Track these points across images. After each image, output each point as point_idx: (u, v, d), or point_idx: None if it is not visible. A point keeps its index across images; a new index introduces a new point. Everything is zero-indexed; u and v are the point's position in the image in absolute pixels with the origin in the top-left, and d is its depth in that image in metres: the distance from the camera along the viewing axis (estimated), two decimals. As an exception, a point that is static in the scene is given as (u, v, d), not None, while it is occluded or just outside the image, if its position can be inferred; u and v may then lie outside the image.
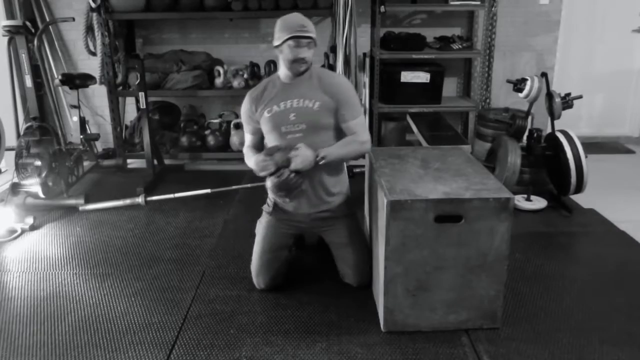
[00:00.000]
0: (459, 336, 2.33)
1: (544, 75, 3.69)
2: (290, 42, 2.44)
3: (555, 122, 3.72)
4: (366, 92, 4.73)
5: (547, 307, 2.54)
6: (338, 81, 2.64)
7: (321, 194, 2.60)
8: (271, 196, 2.65)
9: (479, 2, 4.56)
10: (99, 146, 4.91)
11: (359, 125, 2.57)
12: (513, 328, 2.38)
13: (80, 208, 3.71)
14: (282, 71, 2.57)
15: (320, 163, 2.44)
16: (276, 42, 2.51)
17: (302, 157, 2.41)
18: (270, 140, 2.61)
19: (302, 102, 2.52)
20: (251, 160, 2.56)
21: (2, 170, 4.47)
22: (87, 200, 3.75)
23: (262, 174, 2.47)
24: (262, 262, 2.64)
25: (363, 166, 3.00)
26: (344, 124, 2.54)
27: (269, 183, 2.47)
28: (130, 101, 5.00)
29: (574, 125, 4.65)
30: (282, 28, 2.49)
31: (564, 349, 2.25)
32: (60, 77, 3.97)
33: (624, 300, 2.59)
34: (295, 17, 2.53)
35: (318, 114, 2.52)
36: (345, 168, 2.75)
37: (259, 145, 2.70)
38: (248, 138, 2.71)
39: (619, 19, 5.03)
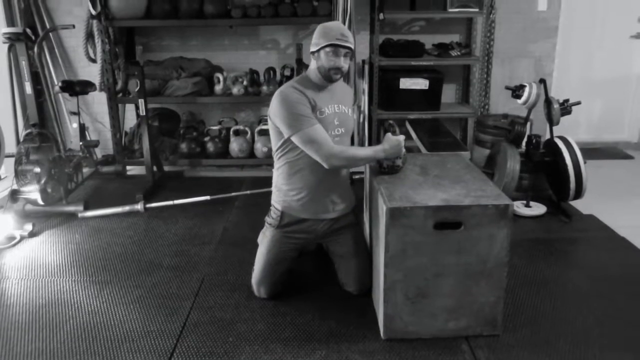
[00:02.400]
0: (459, 343, 2.32)
1: (542, 81, 3.70)
2: (328, 50, 2.43)
3: (554, 128, 3.72)
4: (365, 98, 4.73)
5: (548, 314, 2.54)
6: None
7: (341, 194, 2.66)
8: (281, 207, 2.61)
9: (477, 9, 4.58)
10: (99, 153, 4.92)
11: None
12: (513, 335, 2.37)
13: (80, 215, 3.70)
14: (315, 76, 2.53)
15: None
16: (313, 48, 2.48)
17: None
18: None
19: (341, 107, 2.58)
20: (362, 151, 2.55)
21: (2, 176, 4.47)
22: (87, 207, 3.75)
23: (396, 155, 2.52)
24: (265, 273, 2.63)
25: (362, 173, 3.00)
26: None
27: (386, 164, 2.55)
28: (129, 108, 5.01)
29: (573, 131, 4.67)
30: (321, 35, 2.45)
31: (564, 355, 2.24)
32: (60, 83, 3.97)
33: (625, 306, 2.59)
34: (337, 25, 2.51)
35: (352, 119, 2.65)
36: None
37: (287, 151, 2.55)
38: (321, 130, 2.42)
39: (617, 25, 5.05)
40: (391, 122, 2.60)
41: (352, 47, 2.48)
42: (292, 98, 2.42)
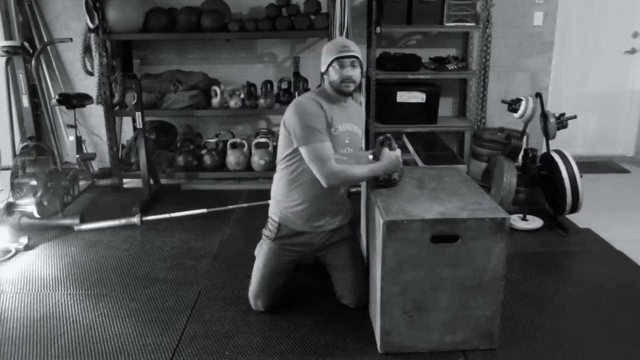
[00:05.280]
0: (456, 357, 2.31)
1: (538, 95, 3.72)
2: (335, 64, 2.46)
3: (550, 142, 3.74)
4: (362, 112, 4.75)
5: (545, 328, 2.53)
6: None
7: (338, 208, 2.66)
8: (279, 219, 2.61)
9: (473, 24, 4.61)
10: (95, 166, 4.91)
11: None
12: (510, 349, 2.36)
13: (76, 228, 3.69)
14: (331, 91, 2.54)
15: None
16: (322, 68, 2.52)
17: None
18: None
19: (353, 127, 2.59)
20: (360, 169, 2.48)
21: (-2, 189, 4.46)
22: (83, 220, 3.73)
23: (395, 169, 2.51)
24: (261, 286, 2.62)
25: (359, 186, 3.00)
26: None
27: (382, 177, 2.53)
28: (127, 121, 5.02)
29: (569, 145, 4.69)
30: (325, 53, 2.52)
31: (561, 370, 2.24)
32: (57, 96, 3.98)
33: (621, 320, 2.58)
34: (337, 40, 2.58)
35: (360, 140, 2.66)
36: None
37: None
38: (329, 148, 2.42)
39: (612, 40, 5.10)
40: (388, 135, 2.59)
41: (357, 55, 2.50)
42: (310, 110, 2.43)
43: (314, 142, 2.39)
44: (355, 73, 2.50)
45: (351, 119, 2.60)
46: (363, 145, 2.82)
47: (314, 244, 2.63)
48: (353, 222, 2.78)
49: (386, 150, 2.52)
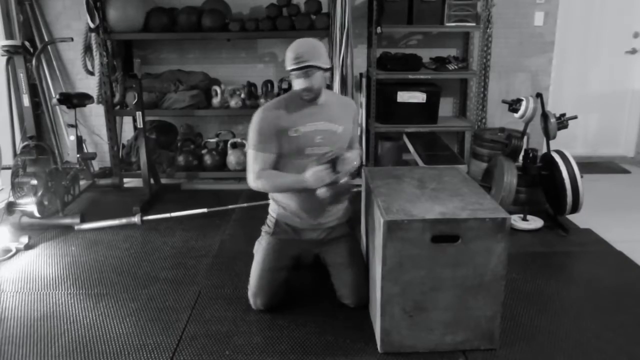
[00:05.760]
0: (456, 357, 2.31)
1: (539, 95, 3.72)
2: (292, 75, 2.46)
3: (551, 142, 3.74)
4: (363, 112, 4.76)
5: (545, 328, 2.53)
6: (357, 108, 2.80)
7: (335, 205, 2.66)
8: (277, 215, 2.63)
9: (474, 24, 4.61)
10: (96, 165, 4.91)
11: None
12: (510, 349, 2.36)
13: (76, 227, 3.69)
14: (300, 97, 2.53)
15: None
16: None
17: (352, 159, 2.50)
18: (286, 163, 2.55)
19: (326, 124, 2.56)
20: (287, 178, 2.50)
21: (-2, 189, 4.46)
22: (83, 220, 3.73)
23: (319, 184, 2.42)
24: (261, 283, 2.63)
25: (360, 186, 3.00)
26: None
27: (323, 192, 2.45)
28: (127, 120, 5.02)
29: (569, 145, 4.69)
30: (286, 60, 2.49)
31: (562, 370, 2.24)
32: (58, 96, 3.98)
33: (622, 321, 2.58)
34: (293, 47, 2.46)
35: (341, 138, 2.61)
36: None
37: (273, 167, 2.56)
38: (264, 158, 2.51)
39: (613, 40, 5.10)
40: (331, 155, 2.48)
41: (310, 62, 2.39)
42: (261, 118, 2.50)
43: (254, 149, 2.50)
44: (312, 81, 2.43)
45: (329, 117, 2.56)
46: (356, 142, 2.79)
47: (312, 240, 2.66)
48: (353, 221, 2.78)
49: (313, 165, 2.44)
